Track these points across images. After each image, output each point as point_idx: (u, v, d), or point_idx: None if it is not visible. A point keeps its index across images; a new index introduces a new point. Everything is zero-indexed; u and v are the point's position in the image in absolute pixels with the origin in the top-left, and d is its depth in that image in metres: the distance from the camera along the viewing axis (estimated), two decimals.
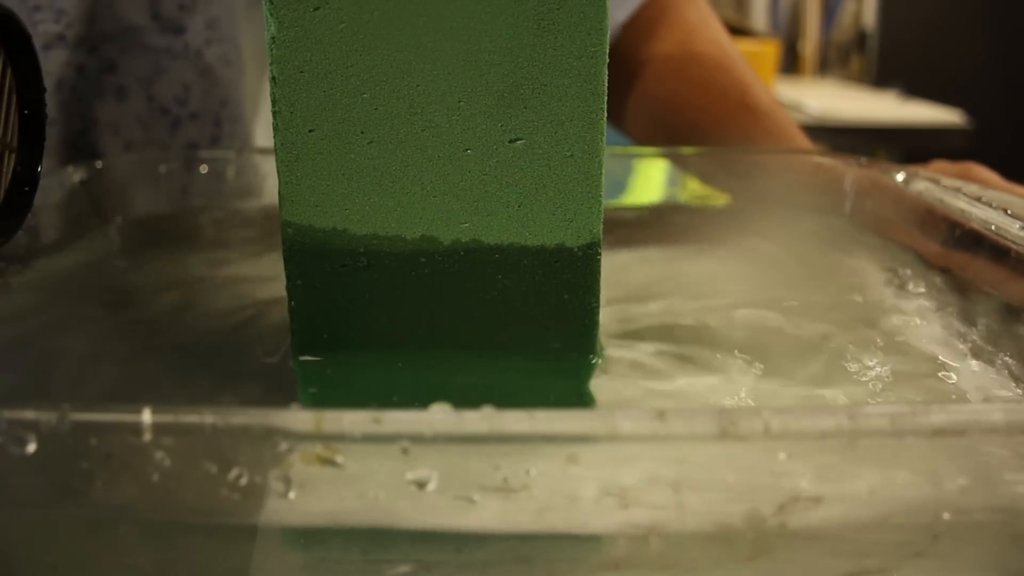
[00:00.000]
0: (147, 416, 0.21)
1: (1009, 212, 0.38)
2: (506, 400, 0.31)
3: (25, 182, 0.30)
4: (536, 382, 0.32)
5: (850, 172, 0.49)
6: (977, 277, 0.38)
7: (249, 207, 0.51)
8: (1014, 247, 0.36)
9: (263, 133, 0.61)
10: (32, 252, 0.42)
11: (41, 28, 0.51)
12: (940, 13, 2.30)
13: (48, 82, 0.51)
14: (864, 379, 0.33)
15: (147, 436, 0.21)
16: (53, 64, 0.52)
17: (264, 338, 0.36)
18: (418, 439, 0.21)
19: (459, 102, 0.30)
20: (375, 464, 0.22)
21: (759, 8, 2.66)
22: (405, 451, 0.21)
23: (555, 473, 0.22)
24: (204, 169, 0.51)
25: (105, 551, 0.24)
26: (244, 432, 0.22)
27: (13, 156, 0.30)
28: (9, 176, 0.30)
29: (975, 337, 0.36)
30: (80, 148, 0.55)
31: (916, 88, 2.13)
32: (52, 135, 0.53)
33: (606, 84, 0.30)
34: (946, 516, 0.23)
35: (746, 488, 0.22)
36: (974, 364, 0.34)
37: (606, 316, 0.34)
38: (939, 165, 0.50)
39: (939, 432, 0.22)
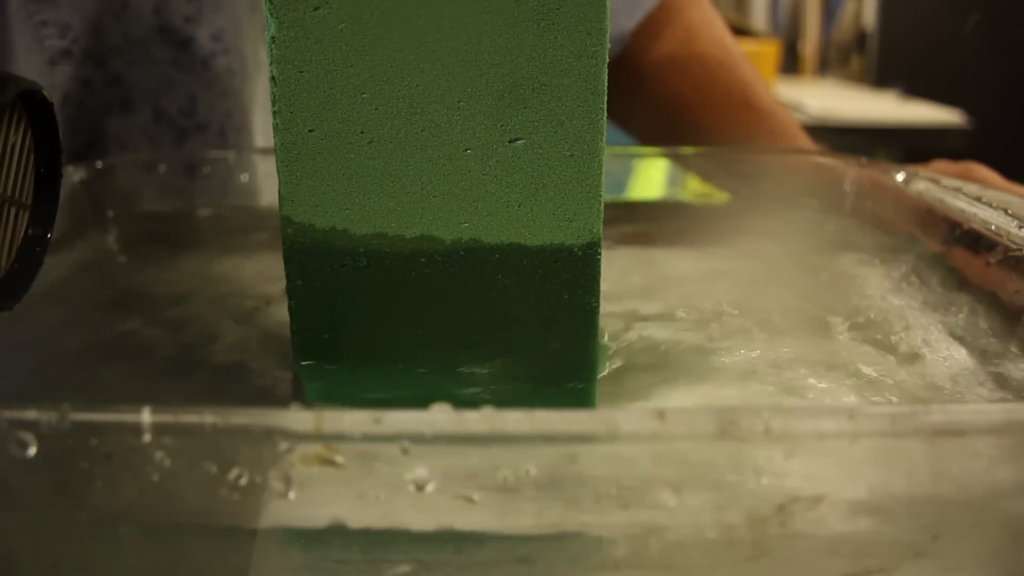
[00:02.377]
0: (147, 416, 0.21)
1: (1009, 212, 0.38)
2: (506, 400, 0.31)
3: (37, 243, 0.30)
4: (536, 382, 0.32)
5: (850, 172, 0.49)
6: (977, 277, 0.38)
7: (249, 207, 0.51)
8: (1014, 247, 0.36)
9: (261, 134, 0.61)
10: None
11: (47, 43, 0.51)
12: (940, 13, 2.30)
13: (55, 96, 0.51)
14: (864, 379, 0.33)
15: (147, 436, 0.21)
16: (59, 79, 0.52)
17: (264, 338, 0.36)
18: (418, 439, 0.21)
19: (459, 102, 0.30)
20: (375, 464, 0.22)
21: (759, 8, 2.66)
22: (405, 451, 0.21)
23: (555, 473, 0.22)
24: (204, 169, 0.51)
25: (105, 551, 0.24)
26: (244, 432, 0.22)
27: (26, 214, 0.30)
28: (22, 235, 0.30)
29: (975, 337, 0.36)
30: (87, 161, 0.55)
31: (916, 88, 2.13)
32: None
33: (606, 84, 0.30)
34: (946, 516, 0.23)
35: (746, 488, 0.22)
36: (974, 363, 0.34)
37: (606, 316, 0.34)
38: (940, 165, 0.50)
39: (939, 432, 0.22)
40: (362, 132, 0.30)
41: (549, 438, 0.22)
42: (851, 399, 0.31)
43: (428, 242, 0.31)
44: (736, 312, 0.38)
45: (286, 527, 0.23)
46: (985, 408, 0.24)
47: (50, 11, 0.51)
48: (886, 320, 0.37)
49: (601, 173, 0.31)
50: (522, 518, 0.23)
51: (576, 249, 0.31)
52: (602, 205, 0.31)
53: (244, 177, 0.52)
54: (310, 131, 0.30)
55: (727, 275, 0.43)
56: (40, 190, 0.30)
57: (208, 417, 0.21)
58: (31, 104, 0.29)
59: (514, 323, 0.32)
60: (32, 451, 0.21)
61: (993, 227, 0.38)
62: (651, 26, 0.65)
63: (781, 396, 0.32)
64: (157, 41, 0.54)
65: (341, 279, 0.31)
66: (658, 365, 0.34)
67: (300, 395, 0.32)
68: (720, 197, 0.53)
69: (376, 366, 0.32)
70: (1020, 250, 0.36)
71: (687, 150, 0.54)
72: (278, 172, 0.30)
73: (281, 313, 0.35)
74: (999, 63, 2.25)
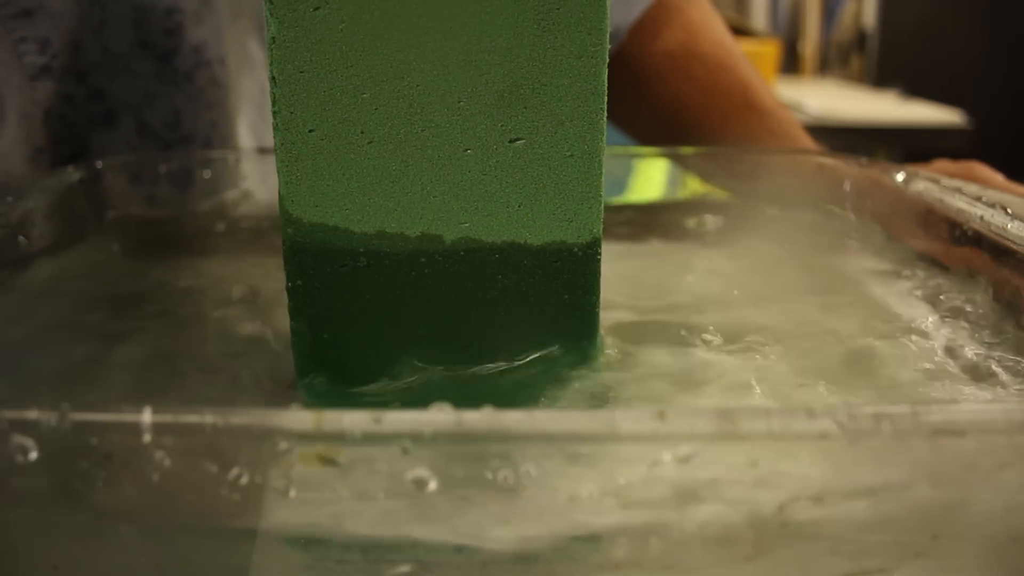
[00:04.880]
0: (147, 416, 0.21)
1: (1009, 212, 0.38)
2: (506, 400, 0.31)
3: None
4: (536, 382, 0.32)
5: (850, 172, 0.49)
6: (977, 277, 0.38)
7: (249, 207, 0.51)
8: (1014, 247, 0.36)
9: (245, 133, 0.61)
10: (31, 253, 0.42)
11: (27, 59, 0.51)
12: (940, 13, 2.30)
13: (37, 113, 0.51)
14: (864, 379, 0.33)
15: (147, 436, 0.21)
16: (41, 94, 0.52)
17: (264, 337, 0.36)
18: (418, 439, 0.21)
19: (459, 102, 0.30)
20: (375, 464, 0.22)
21: (759, 8, 2.66)
22: (405, 451, 0.21)
23: (555, 473, 0.22)
24: (204, 170, 0.51)
25: (105, 551, 0.24)
26: (244, 432, 0.22)
27: None
28: None
29: (976, 337, 0.36)
30: (86, 161, 0.55)
31: (916, 88, 2.13)
32: (42, 163, 0.53)
33: (606, 84, 0.30)
34: (946, 516, 0.23)
35: (746, 488, 0.22)
36: (975, 362, 0.34)
37: (606, 315, 0.34)
38: (941, 164, 0.50)
39: (939, 432, 0.22)
40: (362, 132, 0.30)
41: (549, 438, 0.22)
42: (854, 398, 0.31)
43: (428, 242, 0.31)
44: (736, 313, 0.38)
45: (286, 527, 0.23)
46: (985, 408, 0.24)
47: (29, 27, 0.51)
48: (887, 320, 0.37)
49: (601, 173, 0.31)
50: (522, 518, 0.23)
51: (576, 249, 0.31)
52: (602, 205, 0.31)
53: (243, 177, 0.52)
54: (310, 131, 0.30)
55: (727, 275, 0.43)
56: None
57: (208, 417, 0.21)
58: None
59: (514, 323, 0.32)
60: (32, 452, 0.21)
61: (993, 227, 0.38)
62: (650, 26, 0.65)
63: (783, 396, 0.32)
64: (139, 55, 0.54)
65: (341, 279, 0.31)
66: (658, 365, 0.34)
67: (300, 395, 0.32)
68: (720, 197, 0.53)
69: (376, 366, 0.32)
70: (1020, 249, 0.36)
71: (687, 150, 0.54)
72: (278, 172, 0.30)
73: (281, 313, 0.35)
74: (999, 63, 2.25)
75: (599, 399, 0.32)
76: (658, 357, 0.34)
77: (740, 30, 2.33)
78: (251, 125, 0.62)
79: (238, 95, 0.59)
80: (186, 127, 0.56)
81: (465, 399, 0.31)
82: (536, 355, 0.33)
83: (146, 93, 0.55)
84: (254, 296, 0.40)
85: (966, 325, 0.36)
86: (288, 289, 0.32)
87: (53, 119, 0.53)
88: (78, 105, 0.54)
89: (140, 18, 0.54)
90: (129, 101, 0.55)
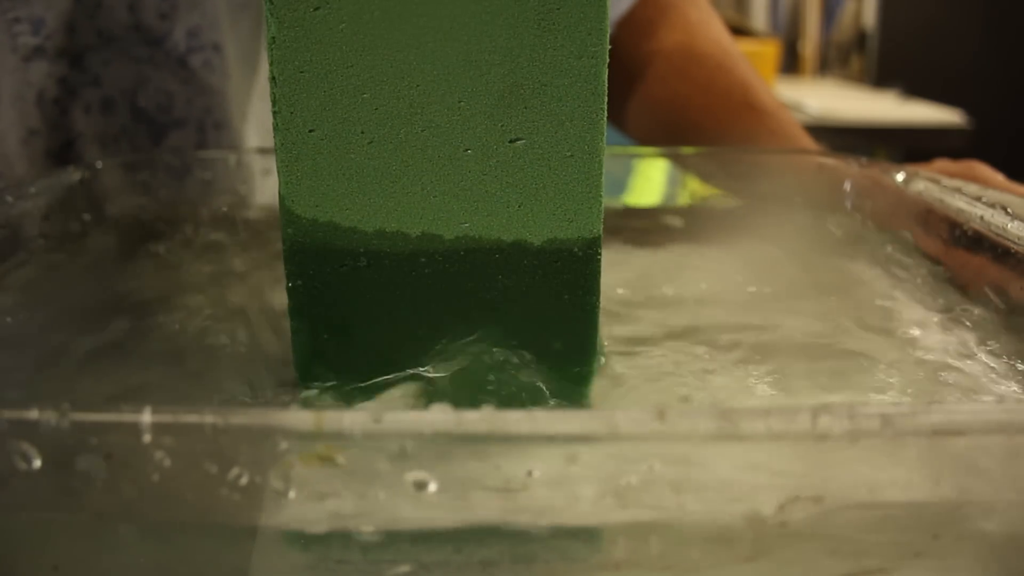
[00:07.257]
0: (147, 416, 0.21)
1: (1009, 212, 0.38)
2: (506, 400, 0.31)
3: None
4: (536, 382, 0.32)
5: (850, 172, 0.49)
6: (977, 277, 0.38)
7: (249, 207, 0.51)
8: (1014, 247, 0.36)
9: (254, 135, 0.61)
10: (31, 252, 0.42)
11: (21, 40, 0.51)
12: (940, 13, 2.30)
13: (30, 94, 0.52)
14: (864, 380, 0.33)
15: (147, 436, 0.21)
16: (34, 76, 0.52)
17: (263, 338, 0.36)
18: (418, 439, 0.21)
19: (459, 102, 0.30)
20: (375, 464, 0.22)
21: (759, 8, 2.66)
22: (405, 451, 0.21)
23: (555, 473, 0.22)
24: (204, 169, 0.51)
25: (105, 551, 0.24)
26: (244, 432, 0.22)
27: None
28: None
29: (977, 336, 0.36)
30: (64, 160, 0.55)
31: (916, 88, 2.13)
32: (36, 145, 0.53)
33: (606, 84, 0.30)
34: (946, 516, 0.23)
35: (746, 488, 0.22)
36: (975, 364, 0.34)
37: (606, 315, 0.34)
38: (941, 164, 0.50)
39: (939, 432, 0.22)
40: (362, 132, 0.30)
41: (549, 438, 0.22)
42: (854, 399, 0.31)
43: (428, 242, 0.31)
44: (736, 313, 0.38)
45: (286, 527, 0.23)
46: (985, 408, 0.24)
47: (23, 7, 0.51)
48: (887, 320, 0.37)
49: (601, 173, 0.31)
50: (522, 517, 0.23)
51: (576, 249, 0.31)
52: (602, 205, 0.31)
53: (243, 177, 0.52)
54: (310, 131, 0.30)
55: (727, 276, 0.43)
56: None
57: (208, 417, 0.21)
58: None
59: (514, 323, 0.32)
60: (31, 452, 0.21)
61: (993, 227, 0.38)
62: (648, 26, 0.65)
63: (782, 397, 0.32)
64: (132, 39, 0.54)
65: (341, 279, 0.31)
66: (658, 366, 0.34)
67: (300, 395, 0.32)
68: (720, 197, 0.53)
69: (376, 366, 0.32)
70: (1020, 249, 0.36)
71: (687, 150, 0.54)
72: (278, 172, 0.30)
73: (280, 313, 0.35)
74: (999, 63, 2.25)
75: (599, 399, 0.32)
76: (657, 357, 0.34)
77: (740, 30, 2.33)
78: (259, 123, 0.62)
79: (237, 82, 0.59)
80: (178, 111, 0.56)
81: (465, 399, 0.31)
82: (535, 355, 0.33)
83: (139, 76, 0.55)
84: (254, 296, 0.40)
85: (966, 325, 0.36)
86: (288, 289, 0.32)
87: (46, 101, 0.53)
88: (72, 87, 0.54)
89: (135, 1, 0.54)
90: (122, 84, 0.55)
